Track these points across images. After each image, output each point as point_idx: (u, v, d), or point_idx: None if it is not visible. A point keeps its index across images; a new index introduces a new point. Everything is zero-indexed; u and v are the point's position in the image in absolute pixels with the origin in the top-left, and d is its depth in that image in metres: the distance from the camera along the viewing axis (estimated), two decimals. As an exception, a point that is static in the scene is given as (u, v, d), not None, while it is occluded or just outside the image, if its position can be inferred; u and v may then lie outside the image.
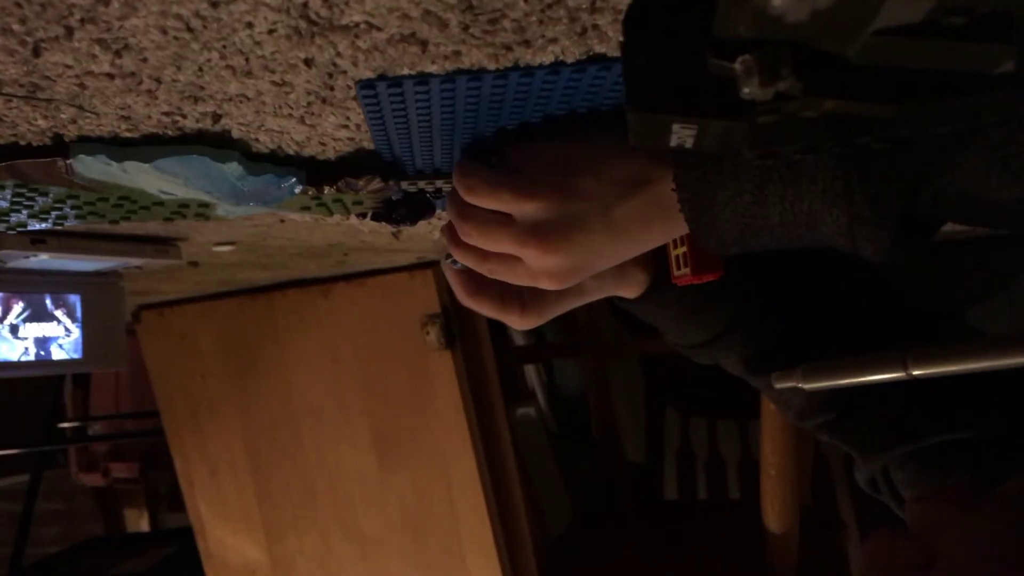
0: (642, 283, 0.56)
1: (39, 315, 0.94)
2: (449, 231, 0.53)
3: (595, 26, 0.38)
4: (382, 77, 0.43)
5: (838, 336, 0.56)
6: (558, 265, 0.46)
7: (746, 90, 0.27)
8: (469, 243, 0.50)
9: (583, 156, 0.47)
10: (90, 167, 0.52)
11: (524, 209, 0.46)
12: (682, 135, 0.34)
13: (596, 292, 0.56)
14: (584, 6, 0.36)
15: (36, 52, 0.37)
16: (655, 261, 0.56)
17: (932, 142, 0.35)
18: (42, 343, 0.94)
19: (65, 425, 2.54)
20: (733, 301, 0.56)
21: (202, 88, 0.43)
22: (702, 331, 0.58)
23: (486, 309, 0.56)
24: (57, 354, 0.96)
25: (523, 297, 0.55)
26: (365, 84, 0.43)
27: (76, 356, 0.98)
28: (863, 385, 0.46)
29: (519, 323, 0.56)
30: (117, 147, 0.51)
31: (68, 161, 0.51)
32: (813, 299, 0.58)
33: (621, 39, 0.37)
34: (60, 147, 0.51)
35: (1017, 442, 0.52)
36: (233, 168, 0.54)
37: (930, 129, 0.30)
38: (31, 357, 0.93)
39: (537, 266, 0.47)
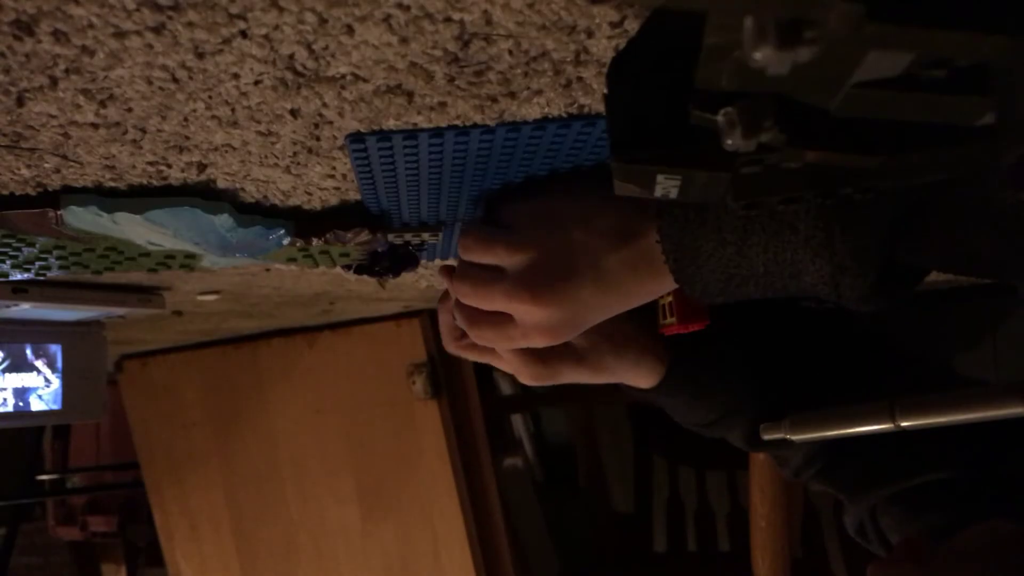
0: (658, 374, 0.56)
1: (19, 365, 0.92)
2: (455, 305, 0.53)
3: (579, 78, 0.38)
4: (372, 132, 0.43)
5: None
6: (549, 318, 0.46)
7: (729, 141, 0.27)
8: (466, 304, 0.50)
9: (571, 210, 0.47)
10: (80, 218, 0.52)
11: (514, 261, 0.47)
12: (666, 185, 0.34)
13: (612, 373, 0.56)
14: (568, 59, 0.36)
15: (20, 102, 0.37)
16: (667, 355, 0.56)
17: (913, 192, 0.35)
18: (21, 394, 0.93)
19: (43, 477, 2.49)
20: (733, 390, 0.57)
21: (187, 138, 0.43)
22: (706, 414, 0.59)
23: (503, 365, 0.56)
24: (36, 405, 0.94)
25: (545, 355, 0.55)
26: (355, 138, 0.43)
27: (55, 407, 0.96)
28: (851, 435, 0.46)
29: (532, 378, 0.56)
30: (108, 198, 0.51)
31: (58, 212, 0.51)
32: (809, 369, 0.58)
33: (605, 91, 0.37)
34: (45, 197, 0.51)
35: (998, 478, 0.52)
36: (223, 220, 0.53)
37: (912, 180, 0.30)
38: (9, 408, 0.91)
39: (529, 320, 0.47)
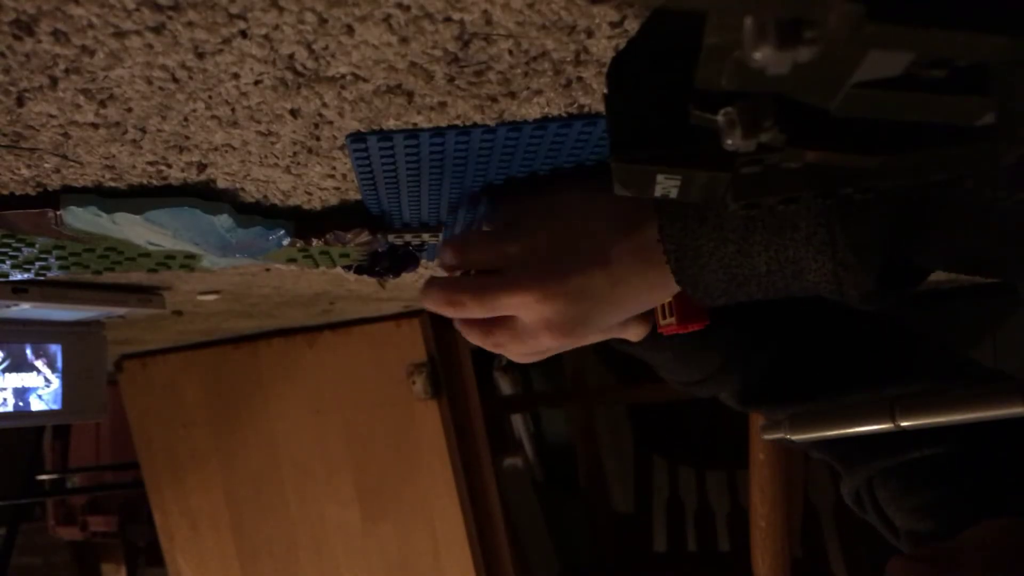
0: (643, 330, 0.55)
1: (19, 365, 0.92)
2: (460, 325, 0.50)
3: (579, 78, 0.38)
4: (373, 132, 0.43)
5: (826, 371, 0.56)
6: (560, 315, 0.44)
7: (729, 141, 0.27)
8: (471, 318, 0.48)
9: (571, 201, 0.47)
10: (80, 218, 0.52)
11: (512, 252, 0.45)
12: (666, 185, 0.34)
13: (597, 338, 0.55)
14: (568, 59, 0.36)
15: (20, 102, 0.37)
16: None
17: (915, 191, 0.35)
18: (21, 394, 0.93)
19: (44, 477, 2.49)
20: (725, 344, 0.56)
21: (187, 138, 0.43)
22: (697, 371, 0.58)
23: (488, 344, 0.54)
24: (36, 405, 0.94)
25: None
26: (356, 138, 0.43)
27: (55, 407, 0.96)
28: (851, 435, 0.46)
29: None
30: (107, 198, 0.51)
31: (58, 212, 0.51)
32: (801, 331, 0.58)
33: (605, 91, 0.37)
34: (45, 197, 0.51)
35: (996, 457, 0.52)
36: (223, 220, 0.53)
37: (912, 180, 0.30)
38: (9, 408, 0.91)
39: (539, 319, 0.45)
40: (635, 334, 0.55)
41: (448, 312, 0.48)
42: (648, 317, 0.55)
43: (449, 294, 0.47)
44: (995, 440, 0.53)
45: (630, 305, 0.46)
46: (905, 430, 0.44)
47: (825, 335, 0.58)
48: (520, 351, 0.48)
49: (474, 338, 0.49)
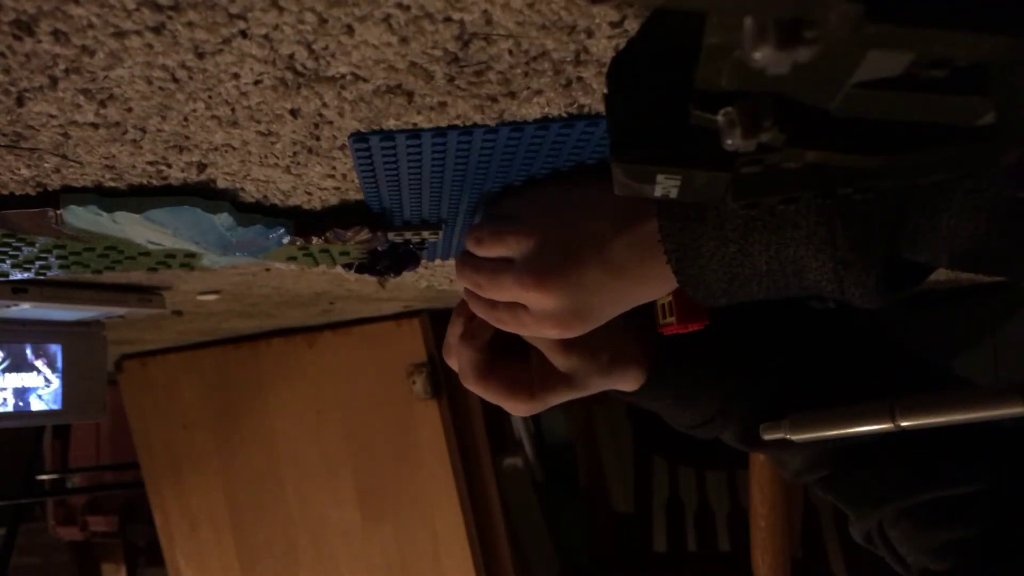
0: (639, 378, 0.56)
1: (19, 365, 0.92)
2: (467, 295, 0.54)
3: (579, 78, 0.38)
4: (375, 132, 0.43)
5: (826, 405, 0.56)
6: (558, 306, 0.46)
7: (729, 141, 0.27)
8: (483, 296, 0.51)
9: (575, 196, 0.48)
10: (80, 217, 0.52)
11: (523, 248, 0.47)
12: (666, 185, 0.34)
13: (599, 384, 0.56)
14: (568, 59, 0.36)
15: (20, 102, 0.37)
16: (650, 356, 0.56)
17: (915, 189, 0.35)
18: (21, 394, 0.92)
19: (43, 477, 2.49)
20: (723, 388, 0.56)
21: (187, 138, 0.43)
22: (696, 416, 0.58)
23: (491, 395, 0.55)
24: (36, 405, 0.94)
25: (532, 385, 0.55)
26: (358, 138, 0.43)
27: (55, 407, 0.96)
28: (853, 437, 0.46)
29: (524, 410, 0.55)
30: (107, 198, 0.51)
31: (58, 211, 0.51)
32: (797, 367, 0.58)
33: (605, 91, 0.37)
34: (45, 196, 0.51)
35: (1005, 497, 0.52)
36: (223, 219, 0.53)
37: (912, 180, 0.30)
38: (9, 408, 0.91)
39: (539, 309, 0.47)
40: (632, 382, 0.56)
41: (472, 289, 0.51)
42: (644, 364, 0.56)
43: (473, 274, 0.51)
44: (1004, 482, 0.53)
45: (628, 299, 0.48)
46: (906, 433, 0.44)
47: (822, 367, 0.57)
48: (521, 333, 0.51)
49: (479, 310, 0.52)
